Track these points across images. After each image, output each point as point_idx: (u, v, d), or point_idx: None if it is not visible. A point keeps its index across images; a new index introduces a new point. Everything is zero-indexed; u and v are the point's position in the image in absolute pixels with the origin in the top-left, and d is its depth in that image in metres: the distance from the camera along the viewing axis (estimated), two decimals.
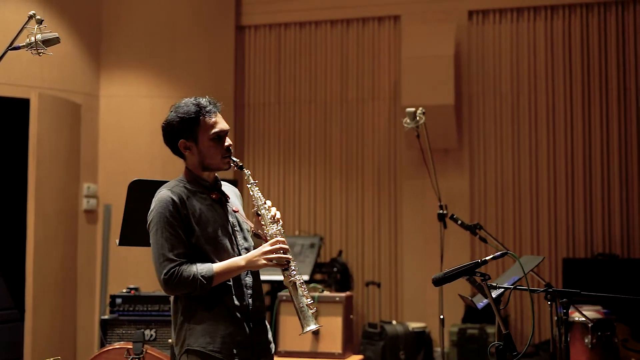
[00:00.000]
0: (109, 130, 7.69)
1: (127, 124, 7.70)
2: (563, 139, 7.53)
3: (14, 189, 7.10)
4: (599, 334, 5.71)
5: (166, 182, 3.43)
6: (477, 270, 3.01)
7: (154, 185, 3.95)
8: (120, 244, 4.04)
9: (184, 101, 3.27)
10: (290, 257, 3.18)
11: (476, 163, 7.72)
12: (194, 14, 7.99)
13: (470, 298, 3.75)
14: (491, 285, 3.39)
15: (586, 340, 5.70)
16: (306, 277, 6.97)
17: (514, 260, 4.34)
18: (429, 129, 6.68)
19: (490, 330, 6.94)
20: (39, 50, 3.25)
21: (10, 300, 7.05)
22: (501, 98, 7.71)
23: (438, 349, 7.30)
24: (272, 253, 3.15)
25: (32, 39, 3.25)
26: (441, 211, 5.16)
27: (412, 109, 5.18)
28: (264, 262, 3.14)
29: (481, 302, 3.76)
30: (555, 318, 3.50)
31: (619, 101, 7.43)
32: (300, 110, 8.23)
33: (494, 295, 3.55)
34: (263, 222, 3.25)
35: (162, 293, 4.87)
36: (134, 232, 4.05)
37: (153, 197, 3.38)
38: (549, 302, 3.78)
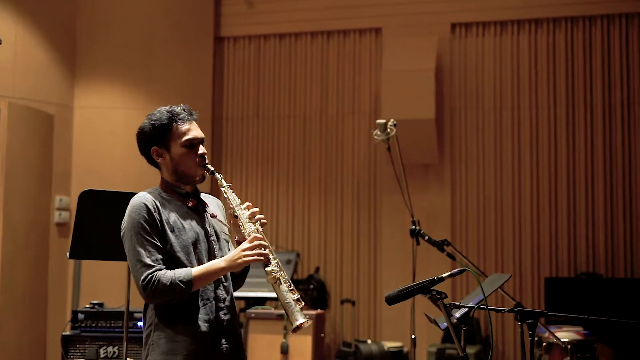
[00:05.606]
0: (82, 142, 7.53)
1: (102, 135, 7.55)
2: (546, 155, 7.37)
3: None
4: (579, 355, 5.52)
5: (119, 192, 3.29)
6: (432, 288, 2.84)
7: (105, 196, 3.82)
8: (71, 257, 3.87)
9: (158, 109, 3.24)
10: (270, 254, 3.08)
11: (458, 179, 7.56)
12: (171, 25, 7.84)
13: (433, 318, 3.58)
14: (454, 304, 3.24)
15: None
16: None
17: (483, 278, 4.19)
18: (409, 143, 6.52)
19: (471, 350, 6.73)
20: None
21: None
22: (484, 112, 7.56)
23: None
24: (251, 250, 3.05)
25: None
26: (413, 227, 4.99)
27: (383, 121, 5.00)
28: (244, 259, 3.05)
29: (444, 323, 3.58)
30: (531, 339, 3.34)
31: (603, 117, 7.28)
32: (279, 123, 8.06)
33: (458, 315, 3.39)
34: (241, 223, 3.16)
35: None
36: (85, 244, 3.90)
37: (104, 208, 3.25)
38: (519, 323, 3.61)
